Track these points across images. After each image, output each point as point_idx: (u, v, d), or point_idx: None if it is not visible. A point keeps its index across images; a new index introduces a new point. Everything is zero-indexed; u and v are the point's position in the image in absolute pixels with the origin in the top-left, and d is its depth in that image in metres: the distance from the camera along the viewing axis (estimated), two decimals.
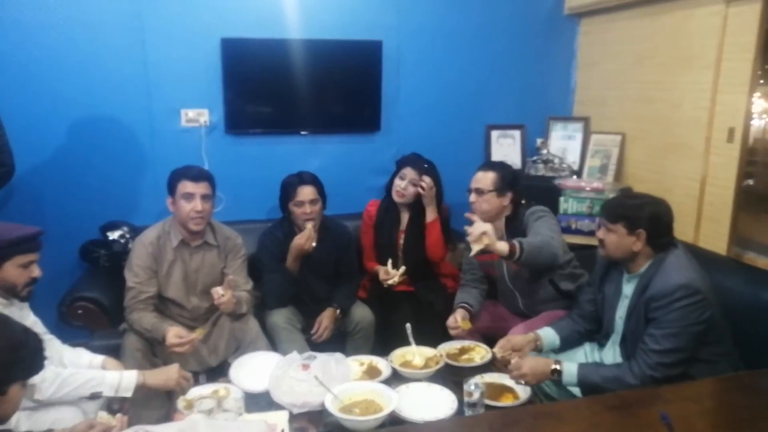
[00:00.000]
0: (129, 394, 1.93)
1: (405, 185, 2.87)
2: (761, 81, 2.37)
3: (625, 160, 3.19)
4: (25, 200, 2.87)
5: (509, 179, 2.50)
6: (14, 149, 2.53)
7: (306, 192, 2.69)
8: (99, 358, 2.07)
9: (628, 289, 2.05)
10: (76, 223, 2.93)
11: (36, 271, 1.87)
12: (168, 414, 2.02)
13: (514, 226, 2.48)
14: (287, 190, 2.73)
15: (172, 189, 2.45)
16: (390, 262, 2.80)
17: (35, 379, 1.71)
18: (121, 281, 2.49)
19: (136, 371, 1.99)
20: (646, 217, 1.97)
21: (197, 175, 2.44)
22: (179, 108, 3.07)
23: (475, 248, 2.13)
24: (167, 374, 2.01)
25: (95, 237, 2.89)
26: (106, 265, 2.80)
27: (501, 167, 2.55)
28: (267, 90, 3.16)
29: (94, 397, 1.87)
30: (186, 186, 2.40)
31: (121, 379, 1.93)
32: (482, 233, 2.10)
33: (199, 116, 3.09)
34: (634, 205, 2.01)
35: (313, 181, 2.74)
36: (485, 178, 2.48)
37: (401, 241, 2.96)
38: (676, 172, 2.81)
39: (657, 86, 2.92)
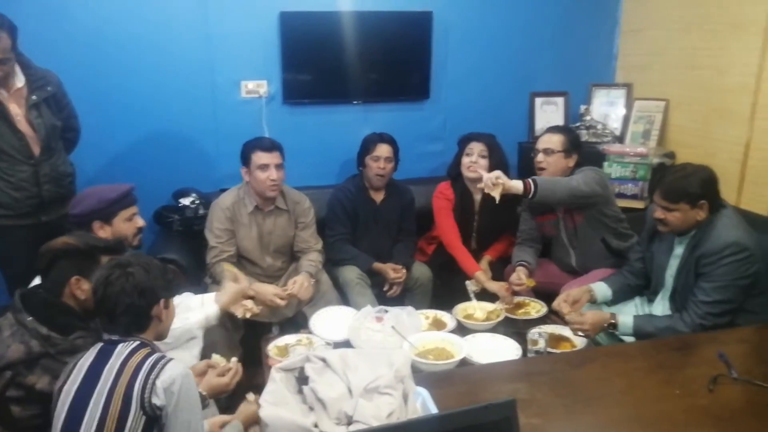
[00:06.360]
0: (216, 321, 2.12)
1: (475, 158, 2.84)
2: None
3: (668, 125, 3.27)
4: (105, 169, 3.09)
5: (576, 142, 2.63)
6: (92, 122, 2.79)
7: (384, 149, 2.94)
8: (210, 295, 2.25)
9: (680, 249, 2.19)
10: (150, 190, 3.08)
11: (140, 221, 2.13)
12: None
13: None
14: (367, 144, 2.97)
15: (246, 160, 2.64)
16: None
17: None
18: (195, 243, 2.74)
19: (214, 302, 2.16)
20: (702, 186, 2.06)
21: (269, 146, 2.63)
22: (240, 80, 3.23)
23: (495, 193, 2.30)
24: (231, 294, 2.21)
25: (168, 203, 3.10)
26: (179, 229, 3.00)
27: (568, 130, 2.69)
28: (322, 61, 3.29)
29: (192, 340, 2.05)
30: (261, 157, 2.59)
31: (207, 315, 2.10)
32: (496, 178, 2.28)
33: (258, 87, 3.26)
34: (688, 179, 2.07)
35: (391, 141, 2.99)
36: (555, 140, 2.59)
37: (475, 224, 3.00)
38: (721, 137, 2.91)
39: (704, 53, 2.99)
